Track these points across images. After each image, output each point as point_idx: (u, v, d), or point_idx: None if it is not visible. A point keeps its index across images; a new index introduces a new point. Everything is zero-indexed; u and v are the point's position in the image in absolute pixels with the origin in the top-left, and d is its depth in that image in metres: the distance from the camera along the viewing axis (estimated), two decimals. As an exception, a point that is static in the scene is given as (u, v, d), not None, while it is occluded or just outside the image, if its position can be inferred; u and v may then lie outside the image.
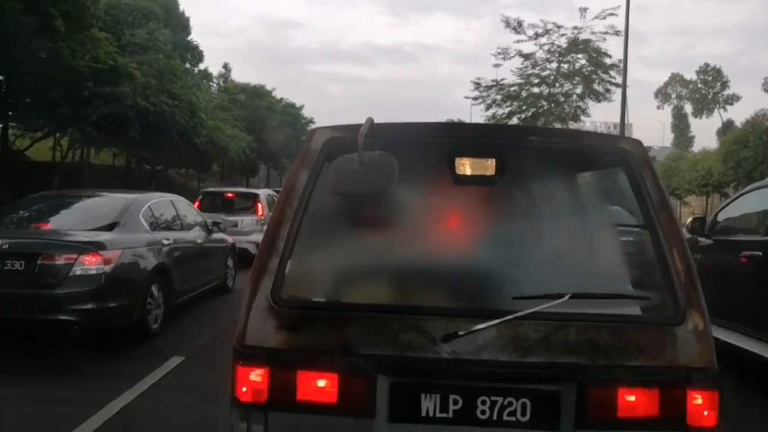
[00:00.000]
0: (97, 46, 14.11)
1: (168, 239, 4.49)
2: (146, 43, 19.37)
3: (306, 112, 36.13)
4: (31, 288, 3.52)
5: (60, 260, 3.55)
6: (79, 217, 4.30)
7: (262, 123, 28.02)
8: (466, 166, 1.51)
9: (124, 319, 3.84)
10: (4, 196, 13.12)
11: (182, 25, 26.29)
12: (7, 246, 3.55)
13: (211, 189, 10.35)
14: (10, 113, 15.45)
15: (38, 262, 3.53)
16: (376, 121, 1.45)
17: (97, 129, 14.71)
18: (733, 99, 41.88)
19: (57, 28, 12.45)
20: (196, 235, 5.18)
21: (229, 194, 9.21)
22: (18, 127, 16.90)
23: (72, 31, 13.00)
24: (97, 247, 3.66)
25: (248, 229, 7.97)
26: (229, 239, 6.23)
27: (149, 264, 4.10)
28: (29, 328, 3.65)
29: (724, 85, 42.21)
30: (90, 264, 3.58)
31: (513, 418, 1.29)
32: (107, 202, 4.60)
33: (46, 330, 3.64)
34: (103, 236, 3.84)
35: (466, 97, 20.10)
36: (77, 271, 3.55)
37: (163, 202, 4.95)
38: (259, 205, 8.42)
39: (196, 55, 26.81)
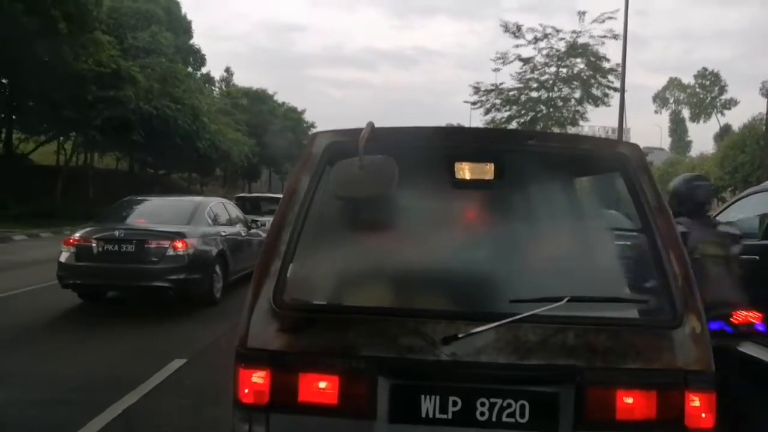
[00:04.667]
0: (100, 50, 14.16)
1: (224, 232, 6.03)
2: (149, 46, 19.46)
3: (307, 117, 36.23)
4: (141, 263, 5.10)
5: (160, 244, 5.13)
6: (163, 215, 5.75)
7: (263, 127, 28.09)
8: (465, 171, 1.52)
9: (200, 288, 5.40)
10: (8, 199, 13.14)
11: (184, 28, 26.41)
12: (123, 234, 5.18)
13: (242, 195, 12.67)
14: (13, 117, 15.47)
15: (145, 246, 5.11)
16: (376, 125, 1.47)
17: (101, 132, 14.74)
18: (730, 104, 41.98)
19: (60, 31, 12.47)
20: (240, 229, 6.62)
21: (258, 198, 11.25)
22: (22, 131, 16.88)
23: (74, 33, 13.05)
24: (183, 236, 5.24)
25: None
26: (262, 234, 7.13)
27: (214, 249, 5.65)
28: (139, 292, 5.34)
29: (722, 89, 42.32)
30: (180, 248, 5.16)
31: (512, 420, 1.30)
32: (180, 204, 6.38)
33: (150, 293, 5.26)
34: (185, 228, 5.39)
35: (465, 102, 20.16)
36: (170, 252, 5.13)
37: (218, 204, 6.57)
38: None
39: (198, 58, 26.92)
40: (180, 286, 5.15)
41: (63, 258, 5.22)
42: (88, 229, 5.37)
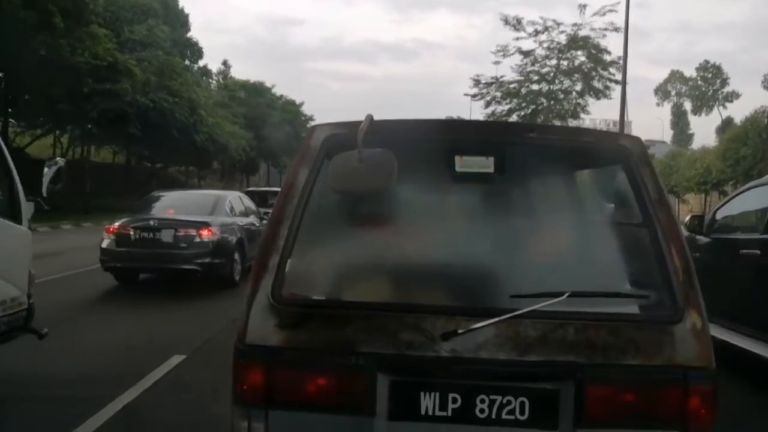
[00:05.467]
0: (96, 43, 14.08)
1: (241, 222, 6.85)
2: (145, 39, 19.31)
3: (306, 110, 36.08)
4: (173, 249, 5.96)
5: (189, 232, 5.99)
6: (189, 207, 6.61)
7: (261, 120, 27.97)
8: (465, 164, 1.51)
9: (222, 271, 6.23)
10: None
11: (181, 21, 26.20)
12: (156, 223, 6.05)
13: (251, 189, 13.48)
14: (9, 110, 15.40)
15: (176, 234, 5.97)
16: (376, 118, 1.44)
17: (97, 126, 14.67)
18: (732, 96, 41.81)
19: (56, 25, 12.39)
20: (253, 220, 7.36)
21: (265, 192, 12.30)
22: (18, 124, 16.83)
23: (71, 27, 12.96)
24: (208, 225, 6.10)
25: None
26: None
27: (234, 238, 6.47)
28: (171, 274, 6.21)
29: (724, 82, 42.11)
30: (205, 236, 6.02)
31: (512, 417, 1.29)
32: (203, 197, 7.48)
33: (180, 275, 6.12)
34: (209, 218, 6.25)
35: (466, 94, 20.08)
36: (197, 239, 5.98)
37: (235, 197, 7.41)
38: None
39: (196, 51, 26.73)
40: (206, 268, 5.97)
41: (104, 245, 6.05)
42: (125, 219, 6.23)
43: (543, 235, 1.55)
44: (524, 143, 1.52)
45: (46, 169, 3.49)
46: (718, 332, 3.29)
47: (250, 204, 7.65)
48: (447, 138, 1.52)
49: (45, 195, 3.40)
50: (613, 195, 1.89)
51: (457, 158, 1.49)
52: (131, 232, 5.95)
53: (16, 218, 3.08)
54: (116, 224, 6.09)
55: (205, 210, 6.45)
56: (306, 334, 1.33)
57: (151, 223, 6.03)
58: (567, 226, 1.60)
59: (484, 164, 1.50)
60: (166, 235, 5.93)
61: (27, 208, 3.17)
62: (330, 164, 1.42)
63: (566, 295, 1.31)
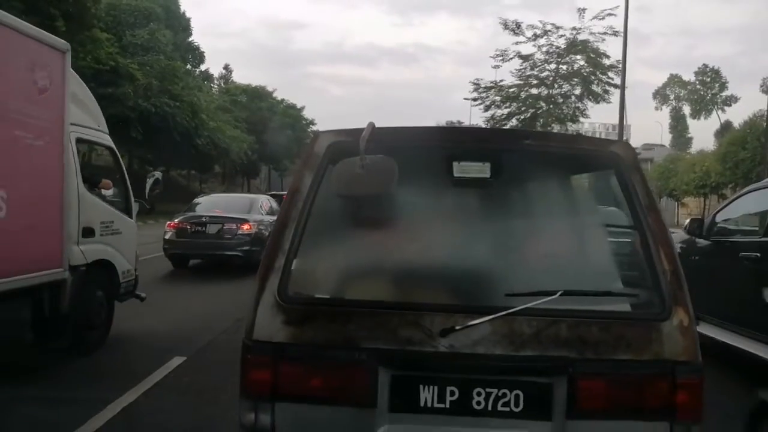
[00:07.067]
0: (98, 47, 14.13)
1: (270, 219, 8.04)
2: (147, 43, 19.38)
3: (307, 114, 36.08)
4: (220, 239, 7.68)
5: (233, 226, 7.70)
6: (230, 206, 8.38)
7: (263, 124, 27.98)
8: (463, 169, 1.57)
9: (259, 258, 7.01)
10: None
11: (183, 26, 26.30)
12: (207, 219, 7.77)
13: (273, 192, 15.19)
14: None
15: (223, 227, 7.69)
16: (377, 123, 1.50)
17: (99, 130, 14.61)
18: (731, 100, 41.96)
19: (58, 29, 12.46)
20: None
21: (284, 195, 13.76)
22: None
23: (73, 31, 13.01)
24: (247, 221, 7.81)
25: None
26: None
27: (266, 231, 7.67)
28: (218, 259, 7.86)
29: (723, 86, 42.28)
30: (245, 229, 7.72)
31: (507, 409, 1.35)
32: (241, 199, 9.58)
33: (226, 260, 7.72)
34: (248, 216, 7.99)
35: (465, 99, 20.18)
36: (239, 232, 7.69)
37: (265, 200, 9.44)
38: None
39: (197, 56, 26.81)
40: (246, 255, 7.44)
41: (167, 236, 7.74)
42: (181, 216, 8.04)
43: (537, 236, 1.60)
44: (520, 150, 1.59)
45: (148, 179, 4.86)
46: (717, 333, 3.28)
47: (275, 205, 9.17)
48: (445, 145, 1.58)
49: (147, 198, 4.77)
50: (604, 199, 1.95)
51: (455, 164, 1.56)
52: (188, 227, 7.68)
53: (129, 213, 4.35)
54: (175, 221, 7.84)
55: (244, 209, 8.19)
56: (311, 330, 1.39)
57: (203, 219, 7.72)
58: (560, 228, 1.66)
59: (481, 170, 1.56)
60: (215, 229, 7.62)
61: (135, 206, 4.46)
62: (333, 170, 1.48)
63: (559, 293, 1.36)
